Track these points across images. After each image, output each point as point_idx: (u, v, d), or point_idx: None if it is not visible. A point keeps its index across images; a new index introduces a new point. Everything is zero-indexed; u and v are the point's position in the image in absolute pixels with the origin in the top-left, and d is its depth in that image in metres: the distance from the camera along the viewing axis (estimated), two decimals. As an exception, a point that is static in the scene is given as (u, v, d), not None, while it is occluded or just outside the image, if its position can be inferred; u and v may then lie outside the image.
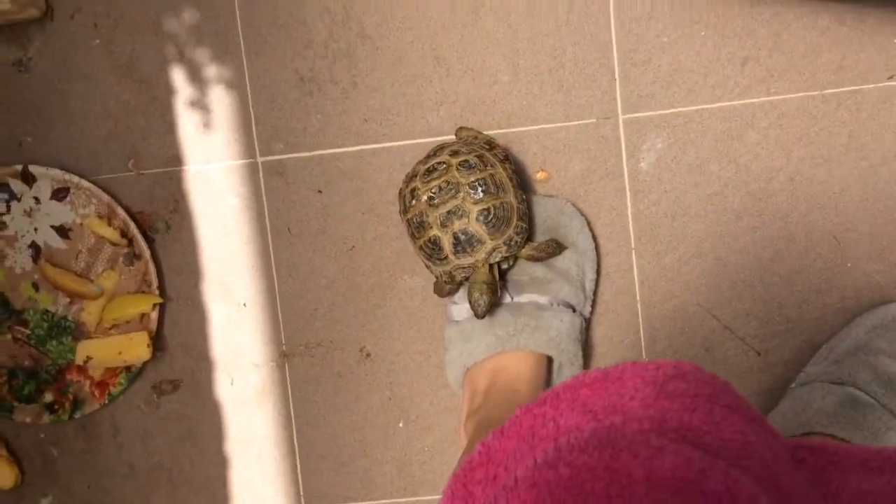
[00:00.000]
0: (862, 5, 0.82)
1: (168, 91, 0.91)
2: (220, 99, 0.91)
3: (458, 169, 0.79)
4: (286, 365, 0.94)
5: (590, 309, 0.87)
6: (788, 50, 0.84)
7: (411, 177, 0.82)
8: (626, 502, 0.42)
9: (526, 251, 0.82)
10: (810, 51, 0.84)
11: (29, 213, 0.93)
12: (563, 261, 0.84)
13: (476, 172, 0.79)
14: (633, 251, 0.88)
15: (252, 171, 0.91)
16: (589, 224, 0.87)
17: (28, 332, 0.95)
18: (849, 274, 0.86)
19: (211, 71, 0.90)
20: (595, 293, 0.88)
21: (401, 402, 0.93)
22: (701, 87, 0.85)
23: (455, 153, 0.80)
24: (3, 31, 0.92)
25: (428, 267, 0.83)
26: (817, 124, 0.84)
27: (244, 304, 0.94)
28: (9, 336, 0.95)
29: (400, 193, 0.83)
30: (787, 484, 0.48)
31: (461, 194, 0.78)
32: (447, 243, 0.79)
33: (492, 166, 0.80)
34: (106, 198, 0.91)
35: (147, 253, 0.91)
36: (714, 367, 0.88)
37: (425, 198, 0.79)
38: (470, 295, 0.79)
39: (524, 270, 0.85)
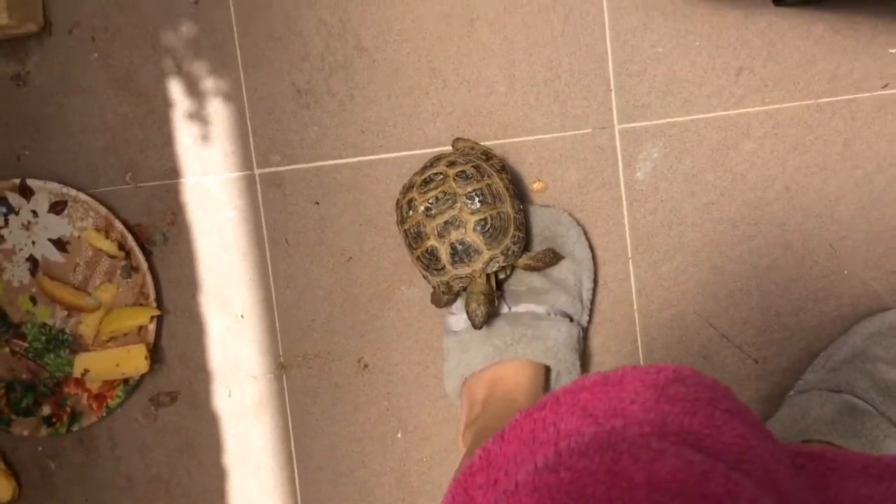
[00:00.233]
0: (856, 15, 0.83)
1: (166, 104, 0.92)
2: (218, 111, 0.91)
3: (454, 179, 0.79)
4: (284, 376, 0.94)
5: (587, 318, 0.87)
6: (783, 59, 0.84)
7: (408, 188, 0.82)
8: None
9: (523, 261, 0.82)
10: (805, 60, 0.84)
11: (27, 227, 0.93)
12: (561, 270, 0.85)
13: (473, 183, 0.79)
14: (630, 260, 0.88)
15: (249, 183, 0.92)
16: (586, 234, 0.87)
17: (26, 345, 0.95)
18: (845, 282, 0.86)
19: (208, 84, 0.91)
20: (592, 302, 0.88)
21: (399, 412, 0.93)
22: (696, 96, 0.85)
23: (452, 164, 0.81)
24: (1, 46, 0.93)
25: (425, 277, 0.83)
26: (812, 133, 0.85)
27: (242, 316, 0.94)
28: (7, 349, 0.95)
29: (397, 204, 0.84)
30: (788, 488, 0.48)
31: (458, 205, 0.78)
32: (444, 253, 0.79)
33: (489, 176, 0.80)
34: (104, 211, 0.91)
35: (145, 265, 0.92)
36: (712, 375, 0.88)
37: (422, 208, 0.79)
38: (467, 305, 0.79)
39: (521, 280, 0.85)
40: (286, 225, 0.92)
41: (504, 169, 0.82)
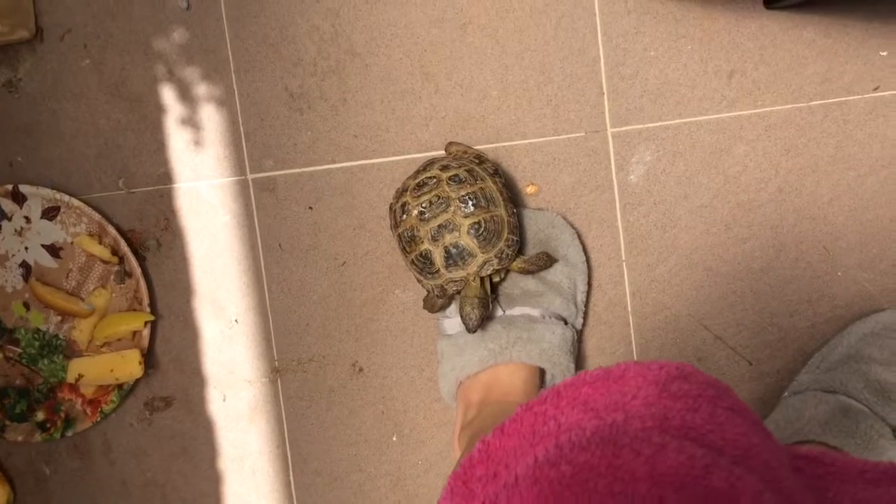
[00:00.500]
0: (847, 18, 0.83)
1: (158, 109, 0.91)
2: (210, 117, 0.91)
3: (448, 183, 0.79)
4: (279, 380, 0.94)
5: (581, 321, 0.87)
6: (774, 62, 0.84)
7: (402, 192, 0.82)
8: (628, 500, 0.42)
9: (517, 264, 0.82)
10: (796, 63, 0.84)
11: (20, 233, 0.93)
12: (555, 273, 0.85)
13: (466, 186, 0.79)
14: (624, 263, 0.88)
15: (243, 188, 0.92)
16: (580, 237, 0.87)
17: (19, 350, 0.95)
18: (839, 283, 0.87)
19: (201, 89, 0.91)
20: (587, 305, 0.88)
21: (394, 416, 0.93)
22: (688, 100, 0.86)
23: (445, 168, 0.81)
24: (-8, 52, 0.93)
25: (419, 281, 0.83)
26: (804, 136, 0.85)
27: (236, 321, 0.94)
28: (0, 355, 0.95)
29: (390, 208, 0.84)
30: (789, 487, 0.48)
31: (452, 208, 0.78)
32: (438, 257, 0.79)
33: (482, 180, 0.80)
34: (97, 216, 0.91)
35: (138, 270, 0.91)
36: (706, 378, 0.88)
37: (416, 212, 0.79)
38: (461, 309, 0.79)
39: (516, 284, 0.85)
40: (280, 229, 0.92)
41: (497, 173, 0.83)
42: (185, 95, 0.91)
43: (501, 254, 0.80)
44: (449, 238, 0.78)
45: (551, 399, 0.55)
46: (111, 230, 0.91)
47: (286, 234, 0.92)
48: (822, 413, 0.80)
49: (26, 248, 0.93)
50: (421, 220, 0.79)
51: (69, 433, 0.94)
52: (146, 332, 0.92)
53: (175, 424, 0.96)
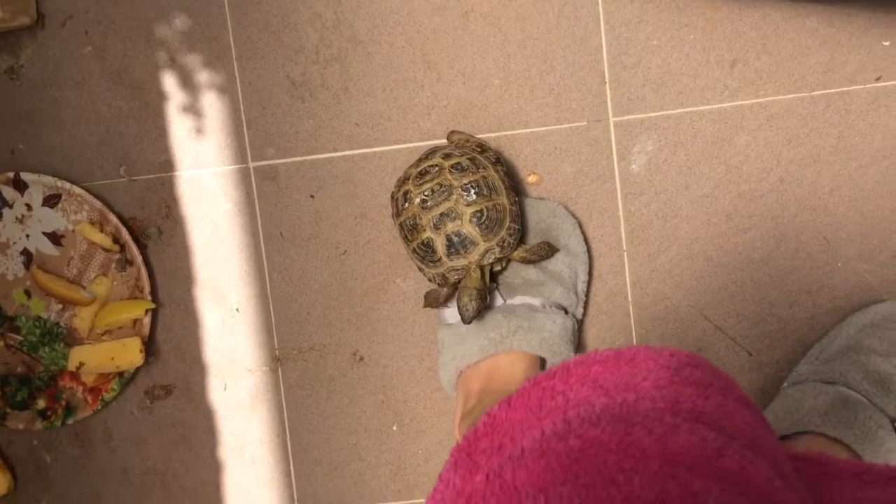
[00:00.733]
0: (850, 7, 0.83)
1: (160, 97, 0.91)
2: (212, 104, 0.91)
3: (450, 171, 0.79)
4: (279, 369, 0.94)
5: (582, 310, 0.87)
6: (777, 52, 0.84)
7: (403, 180, 0.82)
8: (639, 476, 0.42)
9: (518, 253, 0.82)
10: (799, 52, 0.84)
11: (21, 220, 0.93)
12: (556, 263, 0.85)
13: (468, 175, 0.79)
14: (625, 253, 0.88)
15: (244, 176, 0.92)
16: (581, 226, 0.87)
17: (20, 338, 0.95)
18: (839, 274, 0.87)
19: (202, 76, 0.91)
20: (587, 295, 0.88)
21: (394, 405, 0.93)
22: (690, 89, 0.85)
23: (447, 156, 0.81)
24: (-6, 38, 0.92)
25: (421, 269, 0.83)
26: (806, 125, 0.85)
27: (237, 309, 0.94)
28: (1, 343, 0.95)
29: (392, 197, 0.84)
30: (794, 479, 0.49)
31: (454, 196, 0.78)
32: (440, 245, 0.79)
33: (484, 168, 0.80)
34: (98, 204, 0.91)
35: (139, 258, 0.91)
36: (706, 368, 0.88)
37: (418, 200, 0.79)
38: (459, 299, 0.79)
39: (517, 273, 0.85)
40: (281, 218, 0.92)
41: (499, 161, 0.83)
42: (187, 83, 0.91)
43: (503, 242, 0.80)
44: (451, 226, 0.78)
45: (560, 374, 0.55)
46: (112, 218, 0.91)
47: (287, 223, 0.92)
48: (821, 404, 0.80)
49: (27, 236, 0.93)
50: (423, 208, 0.79)
51: (70, 421, 0.95)
52: (147, 321, 0.92)
53: (176, 413, 0.96)
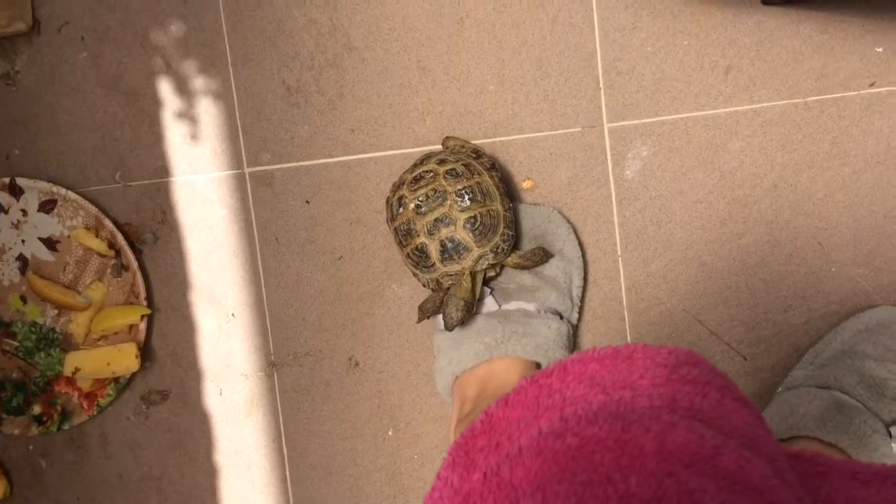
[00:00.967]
0: (843, 13, 0.83)
1: (155, 103, 0.91)
2: (207, 110, 0.91)
3: (444, 177, 0.79)
4: (275, 374, 0.94)
5: (577, 316, 0.88)
6: (771, 58, 0.84)
7: (398, 185, 0.82)
8: (636, 474, 0.42)
9: (512, 259, 0.82)
10: (793, 59, 0.84)
11: (16, 226, 0.93)
12: (551, 268, 0.85)
13: (463, 180, 0.79)
14: (620, 258, 0.89)
15: (239, 182, 0.92)
16: (575, 232, 0.87)
17: (16, 344, 0.95)
18: (833, 279, 0.87)
19: (198, 83, 0.91)
20: (582, 300, 0.89)
21: (390, 410, 0.93)
22: (685, 95, 0.86)
23: (442, 161, 0.81)
24: (-10, 44, 0.93)
25: (415, 275, 0.83)
26: (800, 131, 0.85)
27: (232, 315, 0.94)
28: (-3, 348, 0.95)
29: (387, 202, 0.84)
30: (791, 478, 0.49)
31: (448, 202, 0.78)
32: (434, 251, 0.79)
33: (478, 174, 0.80)
34: (93, 209, 0.91)
35: (135, 264, 0.92)
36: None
37: (412, 206, 0.80)
38: (445, 306, 0.80)
39: (511, 278, 0.85)
40: (276, 224, 0.92)
41: (494, 167, 0.83)
42: (182, 89, 0.91)
43: (497, 248, 0.80)
44: (445, 232, 0.78)
45: (557, 373, 0.55)
46: (108, 223, 0.91)
47: (283, 228, 0.92)
48: (815, 408, 0.80)
49: (23, 242, 0.93)
50: (417, 213, 0.79)
51: (66, 426, 0.95)
52: (143, 326, 0.93)
53: (171, 418, 0.96)
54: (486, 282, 0.83)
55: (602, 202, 0.88)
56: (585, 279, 0.88)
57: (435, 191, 0.79)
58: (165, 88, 0.91)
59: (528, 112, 0.87)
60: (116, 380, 0.93)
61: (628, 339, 0.89)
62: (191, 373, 0.95)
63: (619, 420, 0.46)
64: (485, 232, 0.79)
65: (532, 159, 0.88)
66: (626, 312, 0.89)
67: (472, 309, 0.80)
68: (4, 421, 0.95)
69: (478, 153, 0.84)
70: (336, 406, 0.94)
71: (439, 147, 0.88)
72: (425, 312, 0.85)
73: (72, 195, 0.91)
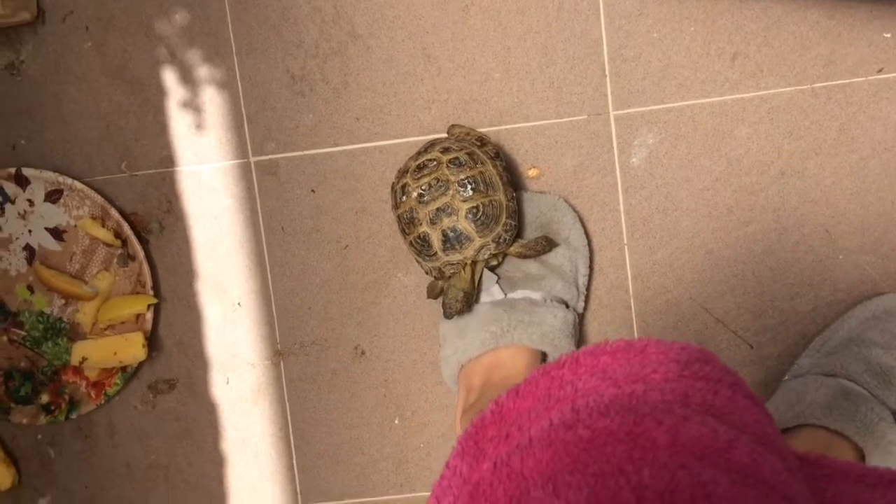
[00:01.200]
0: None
1: (160, 92, 0.91)
2: (212, 99, 0.91)
3: (447, 166, 0.79)
4: (281, 363, 0.94)
5: (583, 304, 0.87)
6: (778, 44, 0.84)
7: (403, 172, 0.82)
8: (649, 466, 0.42)
9: (515, 248, 0.82)
10: (800, 45, 0.84)
11: (23, 216, 0.93)
12: (556, 257, 0.85)
13: (466, 170, 0.79)
14: (626, 246, 0.88)
15: (245, 171, 0.92)
16: (581, 220, 0.87)
17: (24, 333, 0.95)
18: (841, 266, 0.86)
19: (202, 72, 0.91)
20: (588, 288, 0.88)
21: (396, 399, 0.93)
22: (691, 82, 0.85)
23: (446, 150, 0.81)
24: (-5, 34, 0.93)
25: (418, 262, 0.83)
26: (807, 118, 0.85)
27: (239, 304, 0.94)
28: (4, 338, 0.95)
29: (392, 188, 0.84)
30: (800, 476, 0.49)
31: (450, 192, 0.78)
32: (436, 240, 0.79)
33: (482, 164, 0.80)
34: (99, 199, 0.91)
35: (141, 254, 0.92)
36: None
37: (415, 194, 0.80)
38: (445, 295, 0.81)
39: (517, 267, 0.85)
40: (282, 213, 0.92)
41: (498, 156, 0.82)
42: (187, 78, 0.91)
43: (499, 238, 0.80)
44: (447, 221, 0.78)
45: (569, 364, 0.55)
46: (114, 213, 0.91)
47: (288, 217, 0.92)
48: (822, 396, 0.80)
49: (30, 231, 0.93)
50: (420, 202, 0.79)
51: (73, 416, 0.95)
52: (149, 315, 0.93)
53: (178, 407, 0.96)
54: (491, 269, 0.83)
55: (608, 190, 0.87)
56: (591, 267, 0.88)
57: (438, 180, 0.79)
58: (170, 78, 0.91)
59: (534, 100, 0.87)
60: (124, 369, 0.94)
61: (634, 327, 0.89)
62: (197, 362, 0.95)
63: (631, 413, 0.46)
64: (486, 222, 0.79)
65: (538, 147, 0.88)
66: (632, 301, 0.89)
67: (471, 299, 0.81)
68: (13, 410, 0.95)
69: (483, 141, 0.84)
70: (342, 395, 0.94)
71: (444, 135, 0.87)
72: (432, 292, 0.86)
73: (78, 185, 0.91)
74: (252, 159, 0.91)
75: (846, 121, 0.84)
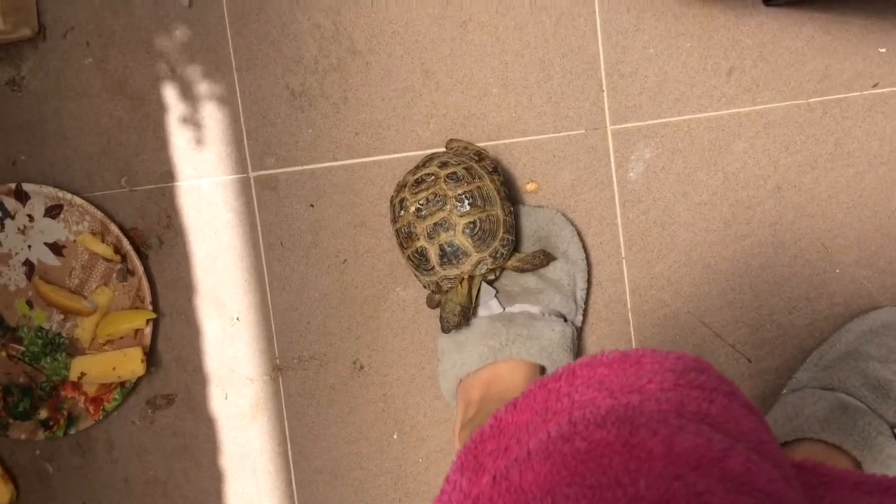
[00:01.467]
0: (846, 14, 0.83)
1: (160, 108, 0.92)
2: (212, 115, 0.91)
3: (445, 181, 0.79)
4: (280, 378, 0.94)
5: (581, 318, 0.88)
6: (774, 59, 0.84)
7: (401, 186, 0.83)
8: (644, 477, 0.42)
9: (512, 263, 0.82)
10: (795, 60, 0.84)
11: (23, 231, 0.93)
12: (555, 271, 0.85)
13: (463, 185, 0.79)
14: (624, 260, 0.89)
15: (244, 186, 0.92)
16: (579, 234, 0.87)
17: (22, 349, 0.95)
18: (838, 280, 0.87)
19: (202, 87, 0.91)
20: (586, 302, 0.89)
21: (395, 413, 0.93)
22: (688, 97, 0.86)
23: (444, 164, 0.81)
24: (-4, 51, 0.93)
25: (416, 276, 0.83)
26: (803, 133, 0.85)
27: (237, 319, 0.94)
28: (3, 353, 0.95)
29: (390, 202, 0.84)
30: (796, 485, 0.49)
31: (448, 207, 0.79)
32: (434, 255, 0.79)
33: (479, 178, 0.80)
34: (99, 214, 0.92)
35: (140, 269, 0.92)
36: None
37: (413, 209, 0.80)
38: (442, 309, 0.81)
39: (515, 281, 0.85)
40: (281, 227, 0.92)
41: (496, 170, 0.83)
42: (187, 94, 0.91)
43: (496, 253, 0.80)
44: (444, 236, 0.79)
45: (566, 377, 0.55)
46: (114, 228, 0.91)
47: (287, 232, 0.92)
48: (820, 410, 0.80)
49: (29, 247, 0.94)
50: (418, 216, 0.80)
51: (72, 431, 0.95)
52: (148, 330, 0.93)
53: (177, 422, 0.96)
54: (489, 284, 0.83)
55: (605, 204, 0.88)
56: (589, 281, 0.88)
57: (435, 195, 0.79)
58: (170, 93, 0.92)
59: (532, 115, 0.87)
60: (122, 384, 0.94)
61: (633, 341, 0.89)
62: (196, 377, 0.95)
63: (627, 424, 0.46)
64: (484, 237, 0.79)
65: (535, 161, 0.88)
66: (630, 315, 0.89)
67: (468, 313, 0.81)
68: (11, 426, 0.95)
69: (480, 155, 0.84)
70: (341, 409, 0.94)
71: (443, 150, 0.88)
72: (431, 302, 0.87)
73: (78, 200, 0.92)
74: (251, 174, 0.92)
75: (842, 135, 0.85)
